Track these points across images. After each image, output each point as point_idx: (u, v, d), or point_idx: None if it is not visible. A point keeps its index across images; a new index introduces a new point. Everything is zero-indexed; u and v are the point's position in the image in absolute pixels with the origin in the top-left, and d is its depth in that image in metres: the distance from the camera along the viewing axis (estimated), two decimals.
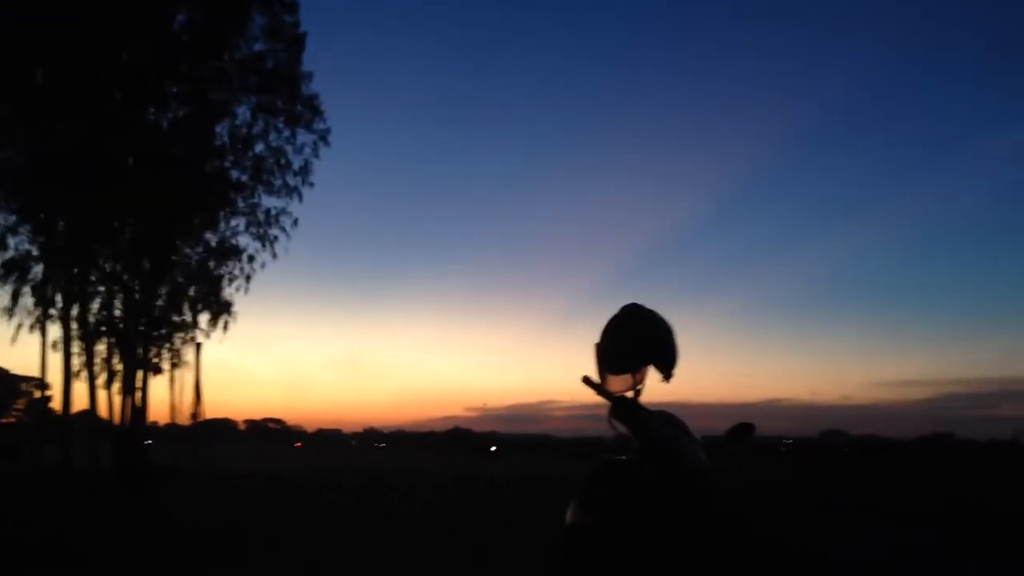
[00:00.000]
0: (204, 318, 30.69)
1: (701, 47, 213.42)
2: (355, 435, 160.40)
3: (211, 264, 30.15)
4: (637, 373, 3.20)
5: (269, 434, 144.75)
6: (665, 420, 3.21)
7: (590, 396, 3.30)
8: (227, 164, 29.30)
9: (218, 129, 28.74)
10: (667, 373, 3.20)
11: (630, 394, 3.18)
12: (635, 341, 3.20)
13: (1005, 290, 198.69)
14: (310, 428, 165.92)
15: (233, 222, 29.91)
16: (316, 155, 29.75)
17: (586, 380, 3.19)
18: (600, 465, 3.17)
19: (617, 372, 3.21)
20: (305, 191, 29.97)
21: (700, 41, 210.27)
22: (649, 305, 3.40)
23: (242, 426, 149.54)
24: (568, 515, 3.18)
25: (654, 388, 3.37)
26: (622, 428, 3.14)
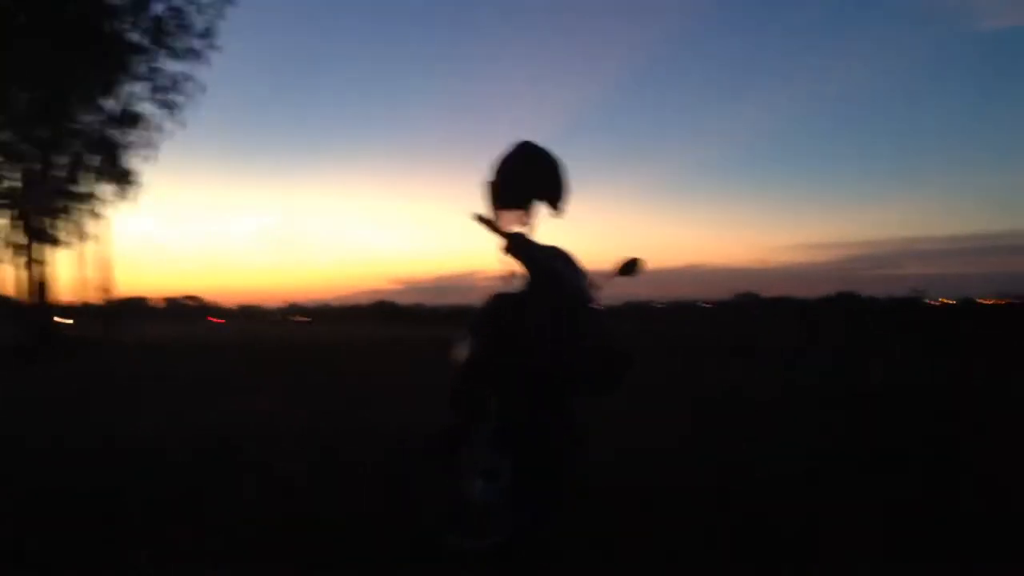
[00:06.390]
0: (108, 188, 29.38)
1: None
2: (277, 310, 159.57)
3: (113, 132, 28.64)
4: (528, 209, 3.22)
5: (186, 311, 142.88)
6: (554, 253, 3.27)
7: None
8: (124, 25, 27.40)
9: None
10: (556, 207, 3.23)
11: (522, 230, 3.21)
12: (526, 176, 3.20)
13: (905, 155, 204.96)
14: (230, 305, 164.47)
15: (134, 88, 28.31)
16: (221, 15, 28.02)
17: (478, 217, 3.19)
18: (490, 299, 3.23)
19: (508, 208, 3.22)
20: (213, 55, 28.34)
21: None
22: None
23: (158, 303, 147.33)
24: (461, 350, 3.24)
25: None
26: (515, 264, 3.18)
